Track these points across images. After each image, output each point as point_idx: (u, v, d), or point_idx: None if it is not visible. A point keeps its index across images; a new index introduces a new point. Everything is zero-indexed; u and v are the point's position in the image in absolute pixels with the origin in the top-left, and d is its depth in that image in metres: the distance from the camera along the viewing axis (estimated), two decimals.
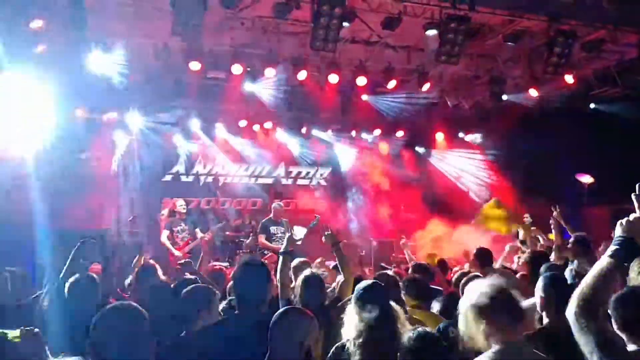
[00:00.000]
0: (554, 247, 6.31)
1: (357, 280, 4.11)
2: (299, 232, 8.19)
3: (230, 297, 4.75)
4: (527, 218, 7.72)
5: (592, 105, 11.59)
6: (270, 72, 9.61)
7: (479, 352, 2.45)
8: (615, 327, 2.36)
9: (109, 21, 8.30)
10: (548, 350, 2.73)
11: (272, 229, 9.79)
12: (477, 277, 4.24)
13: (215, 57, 9.59)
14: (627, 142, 10.24)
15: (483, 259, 5.95)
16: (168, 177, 13.02)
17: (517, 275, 5.59)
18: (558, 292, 3.24)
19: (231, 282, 4.63)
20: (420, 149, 14.62)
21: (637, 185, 2.23)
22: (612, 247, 2.13)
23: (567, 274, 5.14)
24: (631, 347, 2.29)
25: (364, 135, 13.93)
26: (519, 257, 7.01)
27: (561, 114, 11.06)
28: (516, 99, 11.07)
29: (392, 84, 10.35)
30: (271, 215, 10.07)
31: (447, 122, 13.48)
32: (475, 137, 14.15)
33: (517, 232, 8.51)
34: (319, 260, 6.85)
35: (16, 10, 7.47)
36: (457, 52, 8.63)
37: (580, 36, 9.06)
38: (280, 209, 10.17)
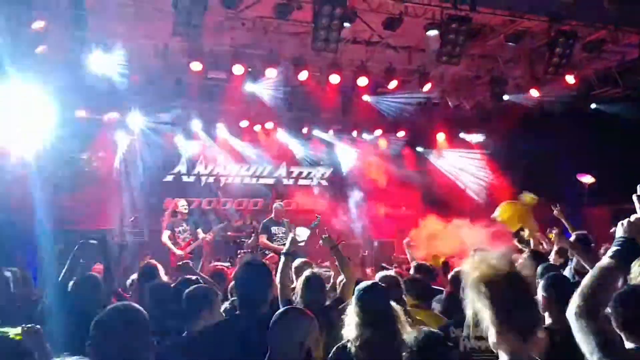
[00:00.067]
0: (554, 247, 6.29)
1: (357, 282, 4.11)
2: (302, 232, 8.18)
3: (232, 298, 4.75)
4: (555, 231, 7.55)
5: (593, 106, 11.58)
6: (271, 72, 9.60)
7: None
8: (614, 325, 2.36)
9: (109, 22, 8.31)
10: (549, 350, 2.73)
11: (274, 229, 9.79)
12: None
13: (216, 58, 9.60)
14: (627, 143, 10.23)
15: None
16: (169, 178, 13.04)
17: None
18: (559, 291, 3.24)
19: (232, 282, 4.64)
20: (421, 149, 14.62)
21: (638, 186, 2.23)
22: (613, 248, 2.13)
23: (567, 272, 5.14)
24: (629, 345, 2.29)
25: (365, 136, 13.93)
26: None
27: (562, 114, 11.04)
28: (517, 100, 11.07)
29: (393, 84, 10.36)
30: (272, 215, 10.08)
31: (448, 122, 13.48)
32: (476, 137, 14.15)
33: (517, 232, 8.46)
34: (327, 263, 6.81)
35: (17, 11, 7.48)
36: (458, 53, 8.63)
37: (581, 36, 9.06)
38: (282, 209, 10.18)
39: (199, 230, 10.17)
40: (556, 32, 8.80)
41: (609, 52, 9.86)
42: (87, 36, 8.21)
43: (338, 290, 4.63)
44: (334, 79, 9.75)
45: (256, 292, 3.37)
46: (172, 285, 4.77)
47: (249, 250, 10.24)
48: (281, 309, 3.02)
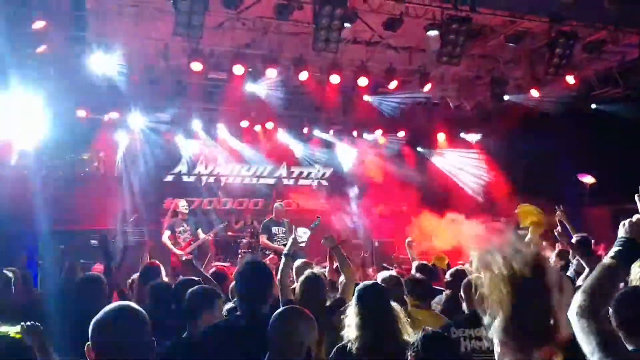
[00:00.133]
0: (555, 250, 6.30)
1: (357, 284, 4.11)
2: (303, 233, 8.19)
3: (235, 299, 4.74)
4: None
5: (593, 106, 11.58)
6: (271, 72, 9.60)
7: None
8: (614, 324, 2.36)
9: (110, 22, 8.33)
10: None
11: (274, 229, 9.79)
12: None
13: (217, 58, 9.61)
14: (628, 143, 10.22)
15: None
16: (170, 178, 13.05)
17: None
18: None
19: (233, 282, 4.63)
20: (421, 149, 14.62)
21: (639, 186, 2.23)
22: (614, 248, 2.13)
23: (569, 275, 5.14)
24: (629, 347, 2.29)
25: (365, 136, 13.93)
26: None
27: (562, 114, 11.03)
28: (517, 100, 11.08)
29: (393, 84, 10.36)
30: (273, 215, 10.08)
31: (448, 122, 13.47)
32: (476, 138, 14.14)
33: (519, 228, 8.42)
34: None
35: (18, 11, 7.49)
36: (459, 53, 8.63)
37: (582, 37, 9.06)
38: (282, 209, 10.18)
39: (200, 231, 10.17)
40: (556, 32, 8.81)
41: (609, 53, 9.87)
42: (87, 36, 8.22)
43: (339, 290, 4.63)
44: (335, 79, 9.75)
45: (256, 292, 3.36)
46: (172, 285, 4.77)
47: (249, 251, 10.25)
48: (281, 309, 3.02)
